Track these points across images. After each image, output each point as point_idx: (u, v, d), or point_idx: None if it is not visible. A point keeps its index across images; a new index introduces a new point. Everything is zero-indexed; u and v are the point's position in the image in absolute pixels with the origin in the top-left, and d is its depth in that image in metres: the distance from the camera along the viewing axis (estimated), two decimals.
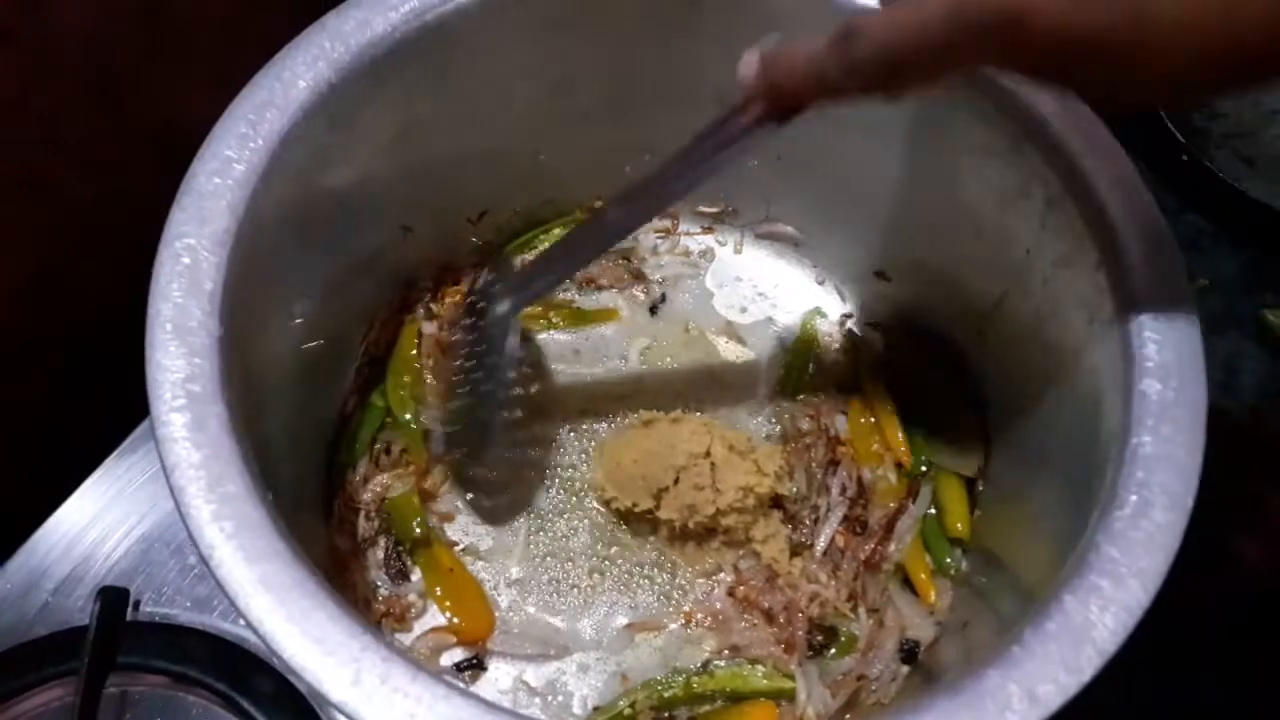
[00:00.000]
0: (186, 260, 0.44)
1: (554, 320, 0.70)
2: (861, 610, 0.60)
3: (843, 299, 0.72)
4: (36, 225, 0.60)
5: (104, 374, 0.57)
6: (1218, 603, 0.65)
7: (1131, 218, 0.49)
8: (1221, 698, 0.65)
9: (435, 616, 0.60)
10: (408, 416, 0.64)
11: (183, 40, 0.64)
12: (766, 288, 0.72)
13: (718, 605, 0.60)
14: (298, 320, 0.54)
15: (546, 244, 0.71)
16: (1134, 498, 0.42)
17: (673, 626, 0.60)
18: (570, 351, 0.69)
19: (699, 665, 0.59)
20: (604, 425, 0.66)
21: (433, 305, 0.68)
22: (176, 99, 0.60)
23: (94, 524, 0.63)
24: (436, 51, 0.54)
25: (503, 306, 0.57)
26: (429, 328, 0.67)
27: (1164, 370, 0.45)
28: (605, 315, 0.71)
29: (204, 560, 0.39)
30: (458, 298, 0.68)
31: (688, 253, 0.74)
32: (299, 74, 0.49)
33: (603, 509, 0.63)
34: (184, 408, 0.41)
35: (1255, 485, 0.71)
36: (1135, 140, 0.50)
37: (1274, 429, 0.74)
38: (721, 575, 0.61)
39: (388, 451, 0.63)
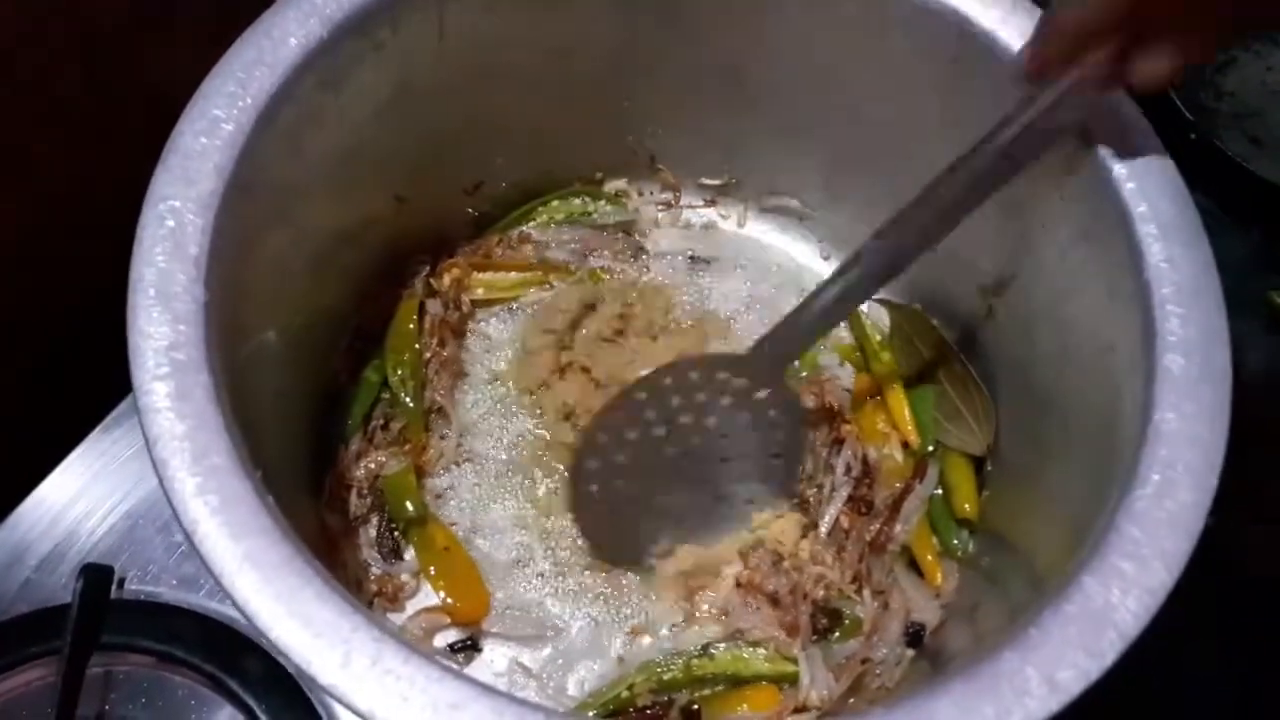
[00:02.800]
0: (171, 223, 0.42)
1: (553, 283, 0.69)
2: (866, 592, 0.59)
3: None
4: (16, 194, 0.59)
5: (87, 346, 0.56)
6: (1218, 588, 0.64)
7: (1153, 188, 0.47)
8: (1221, 683, 0.64)
9: (429, 597, 0.58)
10: (406, 396, 0.62)
11: (169, 6, 0.62)
12: (770, 262, 0.71)
13: (723, 595, 0.59)
14: (287, 289, 0.53)
15: (544, 216, 0.69)
16: (1156, 477, 0.41)
17: (675, 618, 0.59)
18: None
19: (699, 648, 0.57)
20: None
21: (432, 281, 0.66)
22: (162, 65, 0.59)
23: (77, 500, 0.62)
24: (432, 11, 0.52)
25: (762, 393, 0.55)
26: (434, 306, 0.65)
27: (1187, 345, 0.43)
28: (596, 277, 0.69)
29: (188, 536, 0.37)
30: (455, 272, 0.66)
31: (689, 226, 0.72)
32: (290, 31, 0.47)
33: None
34: (167, 376, 0.39)
35: (1259, 469, 0.70)
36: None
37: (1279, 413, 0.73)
38: (729, 568, 0.59)
39: (384, 428, 0.62)
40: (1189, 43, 0.41)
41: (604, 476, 0.57)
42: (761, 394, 0.56)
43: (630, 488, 0.58)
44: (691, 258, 0.71)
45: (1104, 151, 0.48)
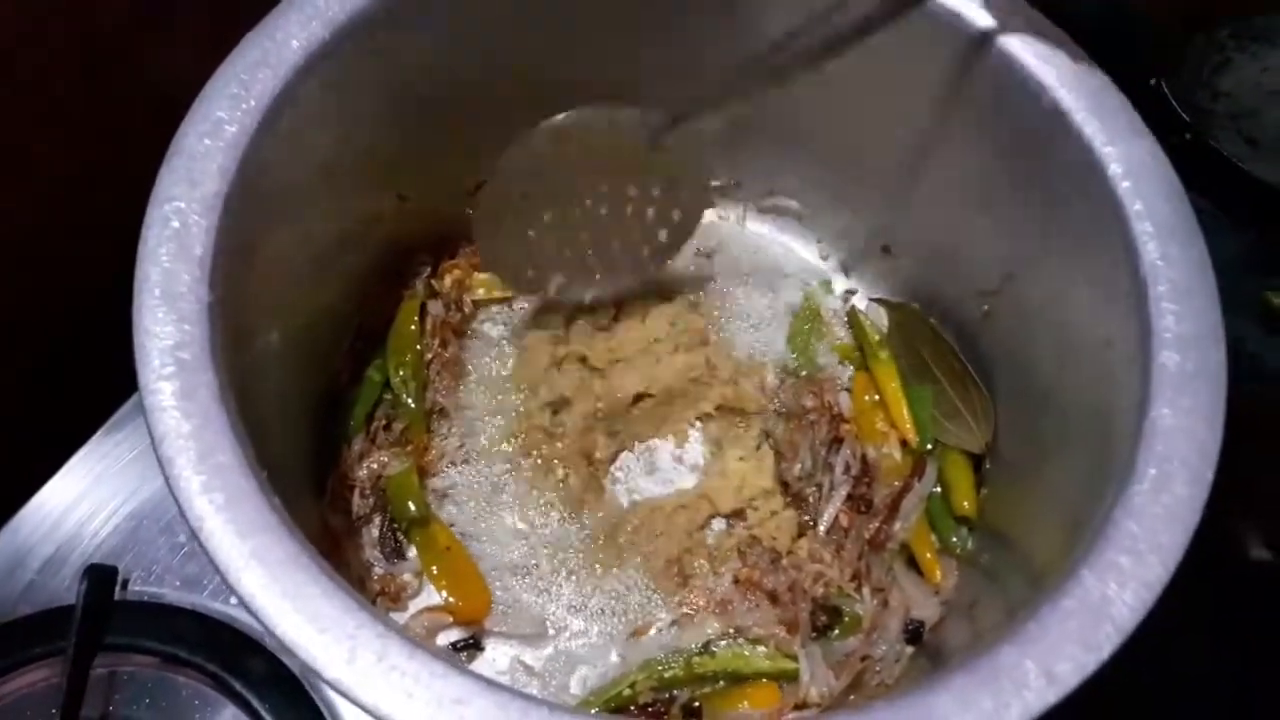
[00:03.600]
0: (176, 224, 0.42)
1: None
2: (866, 590, 0.59)
3: (847, 274, 0.71)
4: (16, 194, 0.59)
5: (90, 348, 0.56)
6: (1213, 583, 0.64)
7: (1148, 187, 0.48)
8: (1215, 676, 0.64)
9: (431, 596, 0.59)
10: (408, 397, 0.62)
11: (170, 6, 0.62)
12: (769, 263, 0.71)
13: (723, 593, 0.59)
14: (290, 289, 0.53)
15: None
16: (1153, 472, 0.41)
17: (675, 614, 0.59)
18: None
19: (700, 646, 0.58)
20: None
21: (434, 282, 0.66)
22: (162, 65, 0.59)
23: (81, 501, 0.62)
24: (434, 13, 0.52)
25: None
26: (435, 307, 0.65)
27: (1183, 342, 0.44)
28: None
29: (193, 533, 0.37)
30: (457, 273, 0.66)
31: None
32: (292, 33, 0.47)
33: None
34: (173, 375, 0.39)
35: (1255, 467, 0.70)
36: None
37: (1275, 410, 0.73)
38: (727, 565, 0.60)
39: (387, 428, 0.62)
40: None
41: (511, 200, 0.59)
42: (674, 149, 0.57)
43: (537, 214, 0.59)
44: (694, 253, 0.71)
45: (1100, 151, 0.48)
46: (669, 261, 0.63)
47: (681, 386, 0.64)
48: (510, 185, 0.59)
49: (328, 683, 0.36)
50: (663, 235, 0.61)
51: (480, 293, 0.67)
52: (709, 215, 0.73)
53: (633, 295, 0.66)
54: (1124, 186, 0.48)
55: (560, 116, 0.57)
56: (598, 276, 0.62)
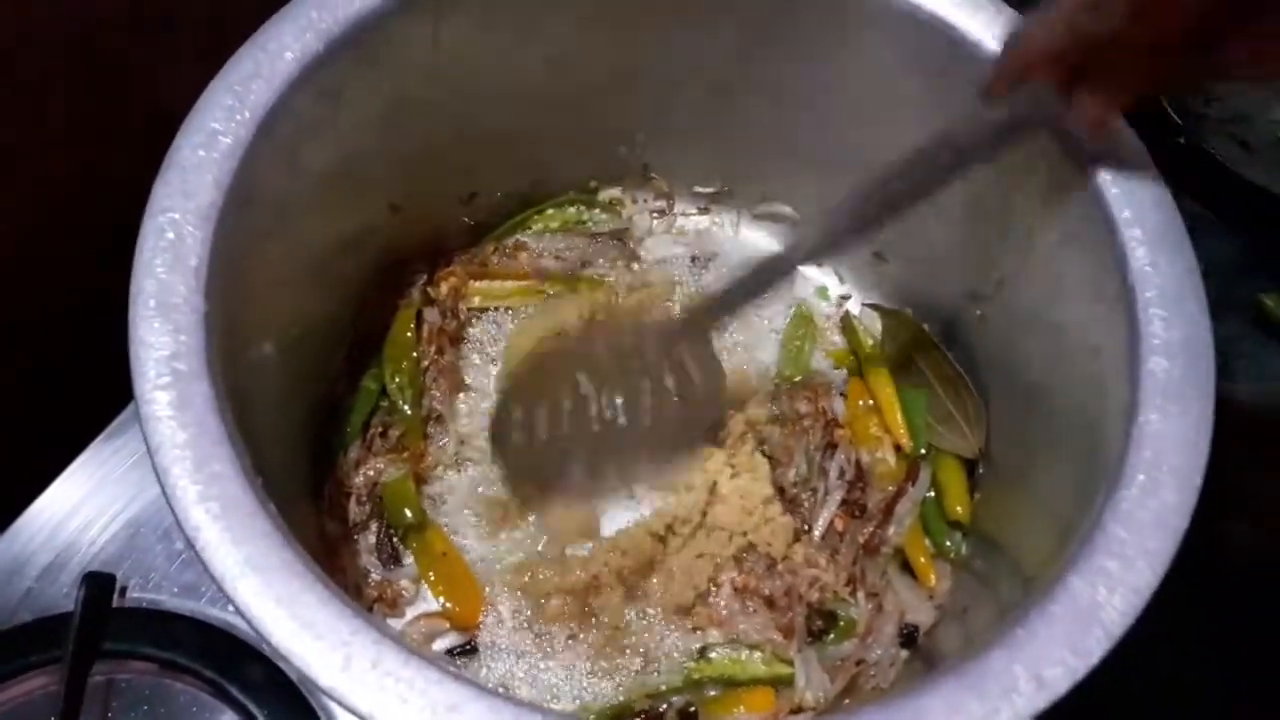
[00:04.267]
0: (171, 235, 0.42)
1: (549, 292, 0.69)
2: (860, 594, 0.59)
3: (840, 280, 0.71)
4: (14, 200, 0.59)
5: (88, 355, 0.56)
6: (1209, 587, 0.64)
7: (1137, 194, 0.48)
8: (1214, 680, 0.65)
9: (428, 602, 0.59)
10: (404, 404, 0.63)
11: (168, 14, 0.62)
12: None
13: (723, 604, 0.59)
14: (285, 299, 0.53)
15: (539, 224, 0.70)
16: (1142, 477, 0.41)
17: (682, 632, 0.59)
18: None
19: (696, 651, 0.58)
20: None
21: (430, 290, 0.67)
22: (161, 74, 0.59)
23: (79, 509, 0.62)
24: (427, 24, 0.53)
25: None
26: (431, 315, 0.66)
27: (1171, 348, 0.44)
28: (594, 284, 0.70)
29: (190, 542, 0.38)
30: (453, 281, 0.67)
31: (683, 233, 0.73)
32: (286, 45, 0.47)
33: None
34: (169, 385, 0.40)
35: (1250, 470, 0.70)
36: (1132, 125, 0.50)
37: (1270, 414, 0.74)
38: (725, 575, 0.60)
39: (383, 435, 0.62)
40: (1122, 88, 0.43)
41: (527, 425, 0.58)
42: (688, 355, 0.57)
43: (553, 438, 0.58)
44: (691, 259, 0.72)
45: (1088, 157, 0.49)
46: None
47: None
48: (518, 402, 0.59)
49: (323, 690, 0.36)
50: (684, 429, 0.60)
51: (476, 300, 0.68)
52: (704, 222, 0.73)
53: None
54: (1112, 193, 0.48)
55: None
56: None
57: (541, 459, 0.59)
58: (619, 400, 0.57)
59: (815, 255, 0.55)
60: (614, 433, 0.57)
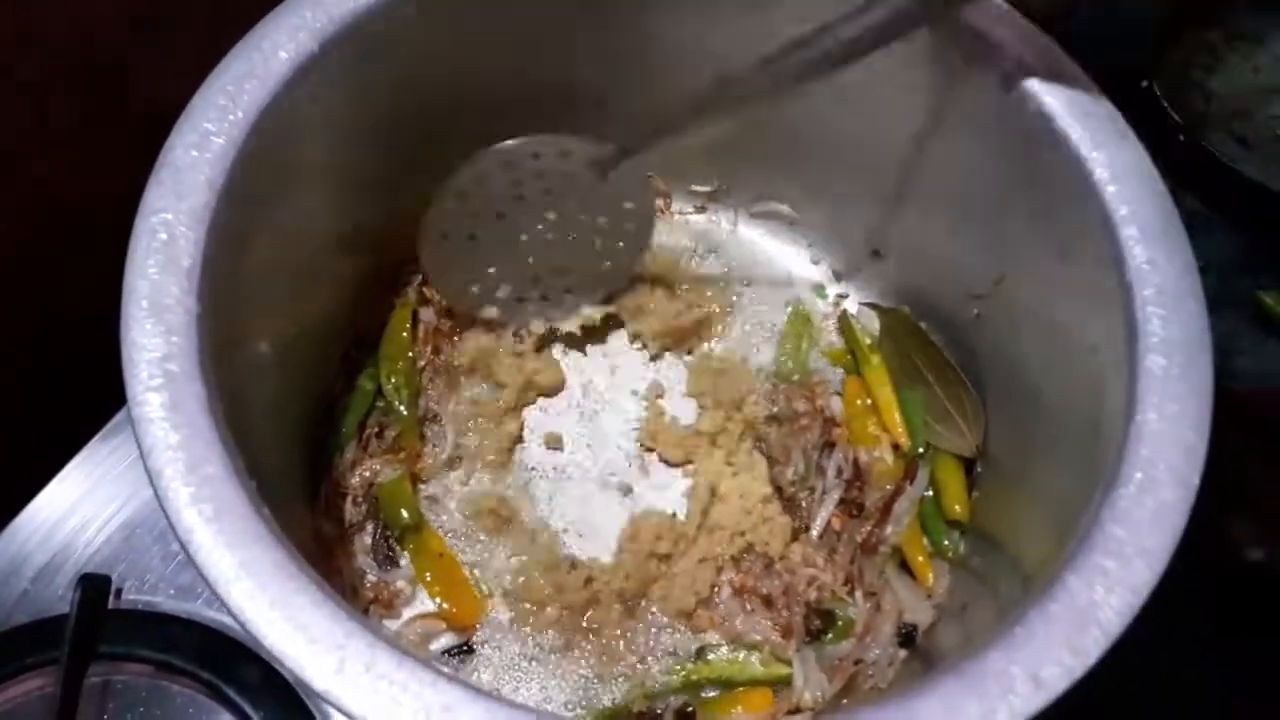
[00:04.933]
0: (163, 236, 0.42)
1: None
2: (859, 594, 0.59)
3: (838, 278, 0.71)
4: (15, 201, 0.59)
5: (84, 356, 0.56)
6: (1210, 584, 0.64)
7: (1135, 191, 0.48)
8: (1215, 677, 0.64)
9: (424, 603, 0.59)
10: (400, 404, 0.62)
11: (167, 17, 0.62)
12: (761, 267, 0.71)
13: (722, 606, 0.59)
14: (280, 299, 0.53)
15: None
16: (1139, 475, 0.41)
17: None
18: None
19: (694, 652, 0.58)
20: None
21: (425, 289, 0.66)
22: (160, 76, 0.59)
23: (75, 510, 0.62)
24: (421, 24, 0.53)
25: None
26: (427, 314, 0.65)
27: (1169, 346, 0.44)
28: None
29: (182, 545, 0.37)
30: None
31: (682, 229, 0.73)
32: (280, 44, 0.47)
33: None
34: (161, 387, 0.39)
35: (1251, 466, 0.70)
36: (1131, 122, 0.50)
37: (1270, 410, 0.74)
38: (724, 575, 0.60)
39: (379, 436, 0.62)
40: None
41: (459, 219, 0.59)
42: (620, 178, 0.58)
43: (484, 234, 0.60)
44: (694, 257, 0.72)
45: (1083, 153, 0.49)
46: (609, 291, 0.65)
47: None
48: (457, 205, 0.59)
49: (317, 693, 0.36)
50: (606, 265, 0.62)
51: None
52: (701, 220, 0.73)
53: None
54: (1110, 191, 0.48)
55: (510, 142, 0.58)
56: (541, 298, 0.63)
57: (472, 264, 0.61)
58: (550, 215, 0.59)
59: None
60: (541, 247, 0.59)
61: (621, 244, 0.62)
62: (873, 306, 0.68)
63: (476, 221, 0.60)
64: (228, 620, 0.57)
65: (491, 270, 0.61)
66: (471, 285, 0.62)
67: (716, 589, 0.59)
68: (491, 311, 0.62)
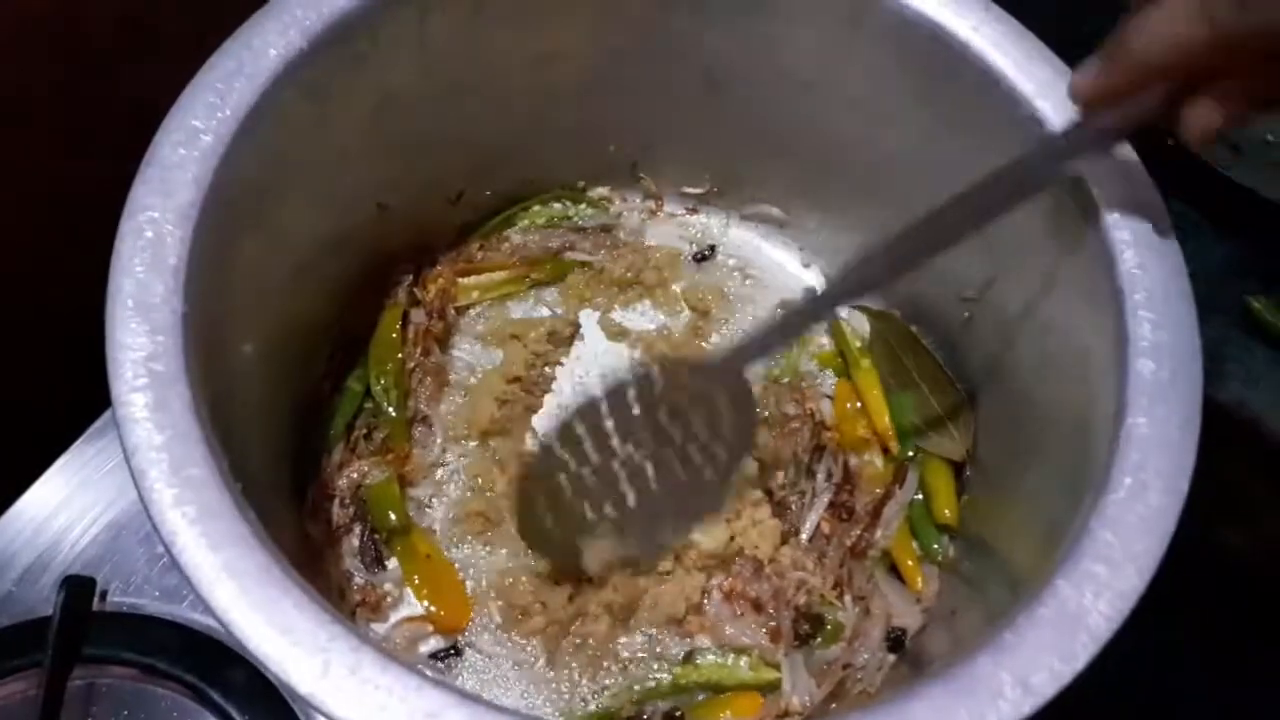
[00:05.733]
0: (149, 234, 0.42)
1: (534, 278, 0.69)
2: (848, 598, 0.59)
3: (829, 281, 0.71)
4: (1, 203, 0.58)
5: (69, 356, 0.55)
6: (1200, 591, 0.64)
7: (1126, 196, 0.48)
8: (1205, 684, 0.64)
9: (412, 606, 0.58)
10: (389, 406, 0.62)
11: (155, 13, 0.62)
12: (752, 270, 0.71)
13: (712, 610, 0.59)
14: (268, 299, 0.53)
15: (525, 220, 0.70)
16: (1129, 480, 0.41)
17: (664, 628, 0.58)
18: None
19: (683, 656, 0.57)
20: None
21: (416, 290, 0.66)
22: (148, 74, 0.59)
23: (59, 511, 0.61)
24: (413, 22, 0.52)
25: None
26: (417, 315, 0.65)
27: (1159, 351, 0.44)
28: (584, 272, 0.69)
29: (166, 547, 0.37)
30: (440, 282, 0.66)
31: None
32: (270, 42, 0.47)
33: None
34: (146, 387, 0.39)
35: (1240, 473, 0.70)
36: None
37: (1259, 416, 0.74)
38: (714, 580, 0.59)
39: (367, 437, 0.62)
40: (1240, 97, 0.39)
41: (555, 490, 0.54)
42: (721, 395, 0.52)
43: (580, 498, 0.54)
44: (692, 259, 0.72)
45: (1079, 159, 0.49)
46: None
47: None
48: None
49: (301, 697, 0.35)
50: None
51: (473, 295, 0.68)
52: (693, 222, 0.73)
53: None
54: (1100, 195, 0.48)
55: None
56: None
57: (571, 533, 0.54)
58: (647, 454, 0.52)
59: (852, 296, 0.54)
60: (644, 489, 0.53)
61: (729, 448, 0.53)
62: (863, 310, 0.68)
63: (576, 483, 0.54)
64: (213, 623, 0.55)
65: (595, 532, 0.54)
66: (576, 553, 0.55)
67: (706, 594, 0.59)
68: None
